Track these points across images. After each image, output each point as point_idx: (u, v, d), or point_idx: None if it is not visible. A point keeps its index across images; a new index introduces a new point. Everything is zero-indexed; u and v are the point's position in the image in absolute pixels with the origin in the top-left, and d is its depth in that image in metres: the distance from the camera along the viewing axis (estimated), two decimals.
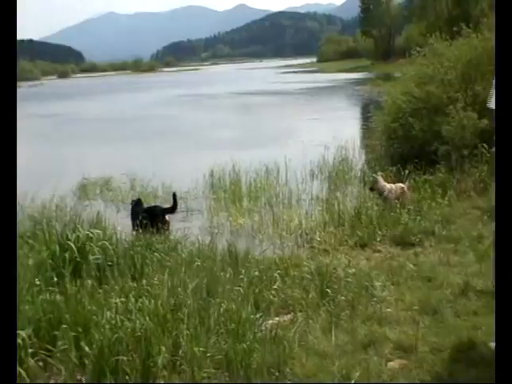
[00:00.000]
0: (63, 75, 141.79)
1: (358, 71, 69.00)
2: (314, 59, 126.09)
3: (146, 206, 9.19)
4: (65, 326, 4.10)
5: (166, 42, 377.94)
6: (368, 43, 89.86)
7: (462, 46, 11.63)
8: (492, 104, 3.61)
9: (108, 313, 4.18)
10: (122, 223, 8.74)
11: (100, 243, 6.24)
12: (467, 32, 11.96)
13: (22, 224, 7.98)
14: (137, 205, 8.95)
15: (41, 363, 3.97)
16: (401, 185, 8.80)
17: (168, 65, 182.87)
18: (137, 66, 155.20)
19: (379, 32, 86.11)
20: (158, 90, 60.70)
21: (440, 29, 29.21)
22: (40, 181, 11.83)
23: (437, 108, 10.65)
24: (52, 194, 10.22)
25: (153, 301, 4.47)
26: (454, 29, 12.58)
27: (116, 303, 4.31)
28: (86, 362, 3.88)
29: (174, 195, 8.93)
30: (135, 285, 4.91)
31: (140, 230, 7.96)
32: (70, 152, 18.88)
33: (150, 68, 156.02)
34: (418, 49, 12.41)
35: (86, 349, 3.91)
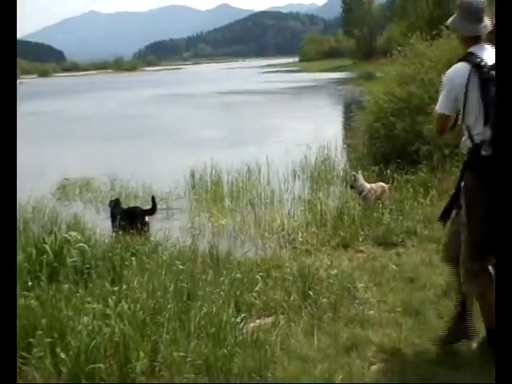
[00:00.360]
0: (44, 74, 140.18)
1: (340, 70, 69.32)
2: (297, 59, 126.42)
3: (125, 206, 9.06)
4: (40, 332, 3.97)
5: (147, 42, 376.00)
6: (350, 43, 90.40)
7: (442, 46, 11.67)
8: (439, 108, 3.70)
9: (85, 318, 4.06)
10: (101, 224, 8.64)
11: (78, 245, 6.12)
12: (447, 33, 12.01)
13: None
14: (115, 205, 8.80)
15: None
16: (381, 184, 8.74)
17: (150, 64, 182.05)
18: (118, 66, 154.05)
19: (361, 32, 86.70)
20: (139, 89, 60.27)
21: (421, 29, 29.45)
22: (19, 180, 11.63)
23: (418, 108, 10.65)
24: (29, 194, 10.03)
25: (132, 305, 4.37)
26: (434, 32, 12.62)
27: (94, 308, 4.20)
28: (62, 368, 3.77)
29: (153, 198, 8.77)
30: (114, 289, 4.77)
31: (120, 232, 7.82)
32: (50, 151, 18.63)
33: (132, 67, 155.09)
34: (399, 48, 12.44)
35: (62, 355, 3.80)
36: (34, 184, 10.75)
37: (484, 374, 3.37)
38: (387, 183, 8.89)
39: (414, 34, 12.54)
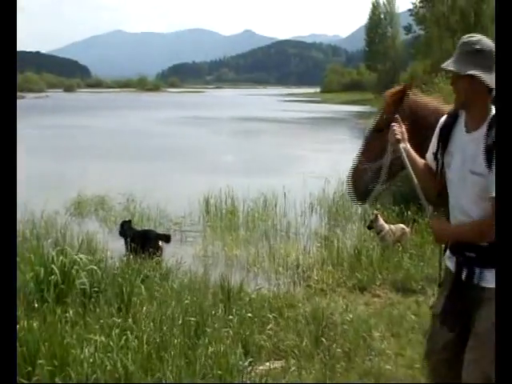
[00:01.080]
0: (69, 89, 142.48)
1: (361, 104, 69.46)
2: (318, 89, 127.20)
3: (138, 228, 8.94)
4: (41, 361, 3.81)
5: (170, 63, 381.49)
6: (372, 77, 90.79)
7: None
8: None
9: (87, 349, 3.89)
10: (112, 245, 8.54)
11: (87, 268, 5.98)
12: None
13: None
14: (128, 227, 8.67)
15: None
16: (402, 226, 8.42)
17: (172, 85, 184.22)
18: (142, 85, 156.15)
19: (383, 66, 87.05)
20: (163, 109, 60.88)
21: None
22: (34, 194, 11.67)
23: None
24: (43, 209, 9.99)
25: (137, 338, 4.20)
26: None
27: (96, 340, 4.02)
28: None
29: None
30: (118, 320, 4.60)
31: (130, 255, 7.69)
32: (69, 166, 18.69)
33: (155, 87, 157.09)
34: (424, 86, 12.33)
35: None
36: (48, 198, 10.73)
37: None
38: (408, 225, 8.61)
39: (439, 74, 12.43)
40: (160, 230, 10.38)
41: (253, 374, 4.18)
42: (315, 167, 18.06)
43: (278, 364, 4.52)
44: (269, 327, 5.01)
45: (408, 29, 61.48)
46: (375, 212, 8.64)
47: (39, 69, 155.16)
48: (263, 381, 4.11)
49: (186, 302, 5.33)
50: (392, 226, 8.34)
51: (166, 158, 21.71)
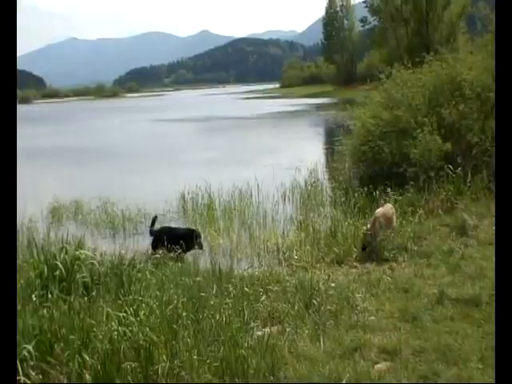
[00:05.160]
0: (24, 101, 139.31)
1: (321, 96, 70.38)
2: (277, 85, 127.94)
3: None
4: (71, 336, 4.22)
5: (127, 68, 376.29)
6: (330, 69, 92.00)
7: (426, 73, 12.26)
8: None
9: (111, 323, 4.33)
10: (96, 245, 8.84)
11: (87, 263, 6.39)
12: (429, 60, 12.66)
13: None
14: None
15: (40, 376, 4.10)
16: (390, 206, 8.27)
17: (130, 90, 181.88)
18: (100, 92, 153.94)
19: (341, 58, 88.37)
20: (122, 114, 60.50)
21: (401, 56, 30.40)
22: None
23: (405, 131, 11.15)
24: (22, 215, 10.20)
25: (149, 314, 4.66)
26: (417, 59, 13.26)
27: (117, 315, 4.47)
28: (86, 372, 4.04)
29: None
30: (134, 297, 5.06)
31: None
32: (42, 173, 18.79)
33: (113, 94, 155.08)
34: (384, 74, 12.96)
35: (88, 359, 4.07)
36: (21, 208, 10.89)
37: (482, 369, 3.76)
38: (377, 204, 9.01)
39: (395, 62, 13.13)
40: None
41: (255, 336, 4.68)
42: (282, 159, 18.65)
43: (274, 329, 5.05)
44: (262, 299, 5.52)
45: (364, 21, 62.60)
46: (364, 229, 7.74)
47: None
48: (263, 343, 4.60)
49: (184, 283, 5.82)
50: (379, 212, 7.88)
51: (136, 159, 22.00)
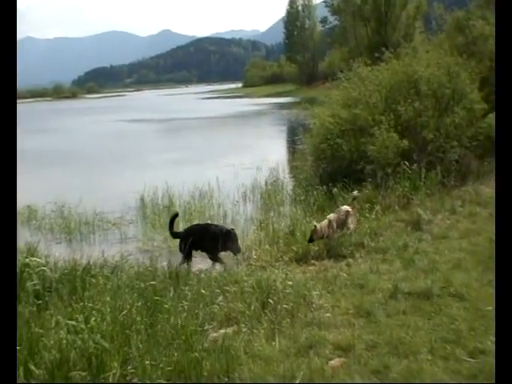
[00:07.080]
0: None
1: (284, 96, 70.74)
2: (240, 85, 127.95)
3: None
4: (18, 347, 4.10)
5: (87, 68, 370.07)
6: (292, 68, 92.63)
7: (384, 70, 12.44)
8: None
9: (60, 332, 4.21)
10: (50, 250, 8.60)
11: (38, 270, 6.22)
12: (388, 57, 12.86)
13: None
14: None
15: None
16: (346, 208, 8.14)
17: (90, 91, 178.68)
18: (58, 93, 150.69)
19: (303, 57, 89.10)
20: (82, 116, 59.45)
21: (361, 54, 30.84)
22: None
23: (362, 129, 11.29)
24: None
25: (101, 320, 4.55)
26: (376, 54, 13.44)
27: (66, 324, 4.35)
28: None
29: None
30: (85, 304, 4.94)
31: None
32: None
33: (72, 94, 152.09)
34: (343, 73, 13.11)
35: (35, 369, 3.94)
36: None
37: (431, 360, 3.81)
38: (350, 206, 8.32)
39: (356, 60, 13.30)
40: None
41: (210, 337, 4.63)
42: (244, 159, 18.64)
43: (229, 329, 5.01)
44: (218, 300, 5.48)
45: (324, 21, 63.46)
46: (314, 224, 7.69)
47: None
48: (218, 345, 4.56)
49: (139, 287, 5.72)
50: (332, 216, 7.89)
51: (95, 160, 21.65)
